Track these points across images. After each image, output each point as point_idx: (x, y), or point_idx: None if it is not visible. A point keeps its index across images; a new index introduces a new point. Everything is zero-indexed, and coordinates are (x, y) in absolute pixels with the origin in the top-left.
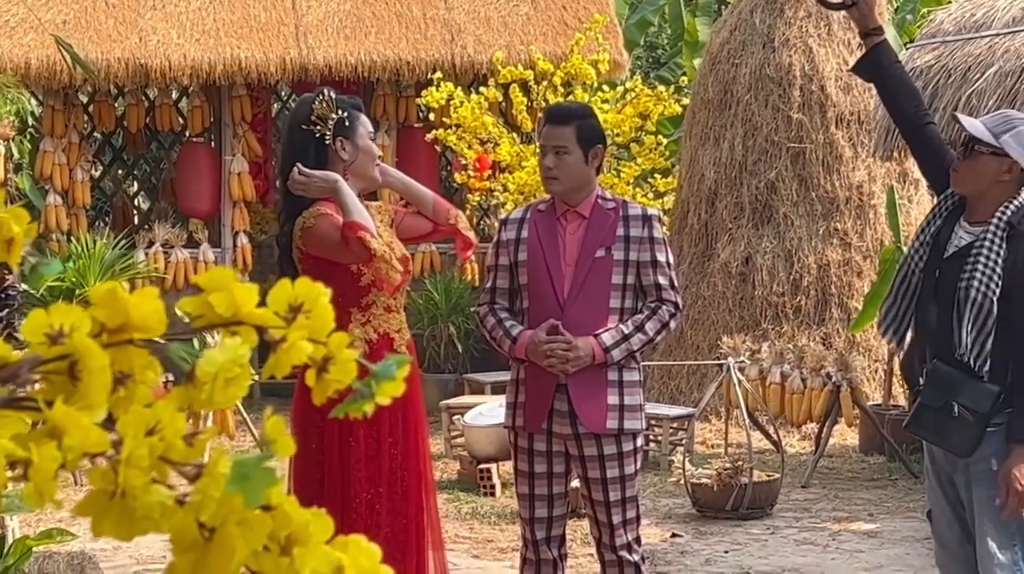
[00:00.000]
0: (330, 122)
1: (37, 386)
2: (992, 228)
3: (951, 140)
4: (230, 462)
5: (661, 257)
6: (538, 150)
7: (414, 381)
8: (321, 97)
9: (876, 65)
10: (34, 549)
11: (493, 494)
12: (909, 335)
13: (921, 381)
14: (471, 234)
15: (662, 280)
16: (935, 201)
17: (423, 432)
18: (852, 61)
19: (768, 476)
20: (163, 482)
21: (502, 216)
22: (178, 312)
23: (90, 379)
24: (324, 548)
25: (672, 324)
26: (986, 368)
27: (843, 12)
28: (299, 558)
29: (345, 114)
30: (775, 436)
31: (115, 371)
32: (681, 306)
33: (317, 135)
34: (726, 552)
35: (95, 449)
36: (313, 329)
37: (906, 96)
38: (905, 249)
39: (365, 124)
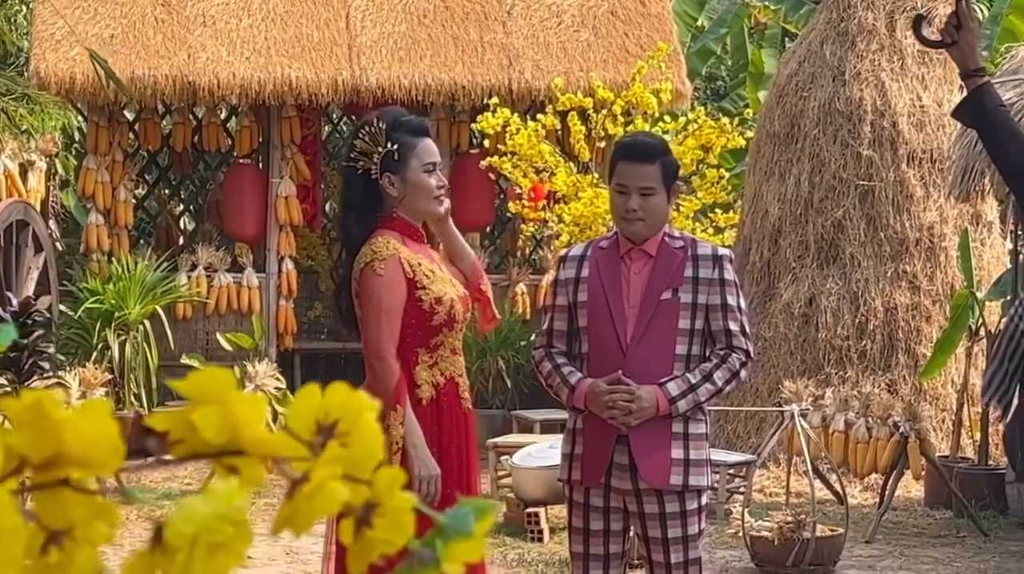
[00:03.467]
0: (375, 156)
1: None
2: None
3: None
4: None
5: (732, 301)
6: (614, 187)
7: (465, 429)
8: (366, 129)
9: (979, 109)
10: None
11: (541, 540)
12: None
13: None
14: (495, 310)
15: (733, 326)
16: None
17: (475, 486)
18: (926, 98)
19: (831, 530)
20: None
21: (561, 252)
22: (220, 340)
23: None
24: None
25: (743, 373)
26: None
27: (942, 50)
28: None
29: (395, 146)
30: (839, 487)
31: (43, 528)
32: (752, 354)
33: (360, 172)
34: None
35: None
36: (352, 462)
37: (1010, 142)
38: (980, 294)
39: (422, 154)
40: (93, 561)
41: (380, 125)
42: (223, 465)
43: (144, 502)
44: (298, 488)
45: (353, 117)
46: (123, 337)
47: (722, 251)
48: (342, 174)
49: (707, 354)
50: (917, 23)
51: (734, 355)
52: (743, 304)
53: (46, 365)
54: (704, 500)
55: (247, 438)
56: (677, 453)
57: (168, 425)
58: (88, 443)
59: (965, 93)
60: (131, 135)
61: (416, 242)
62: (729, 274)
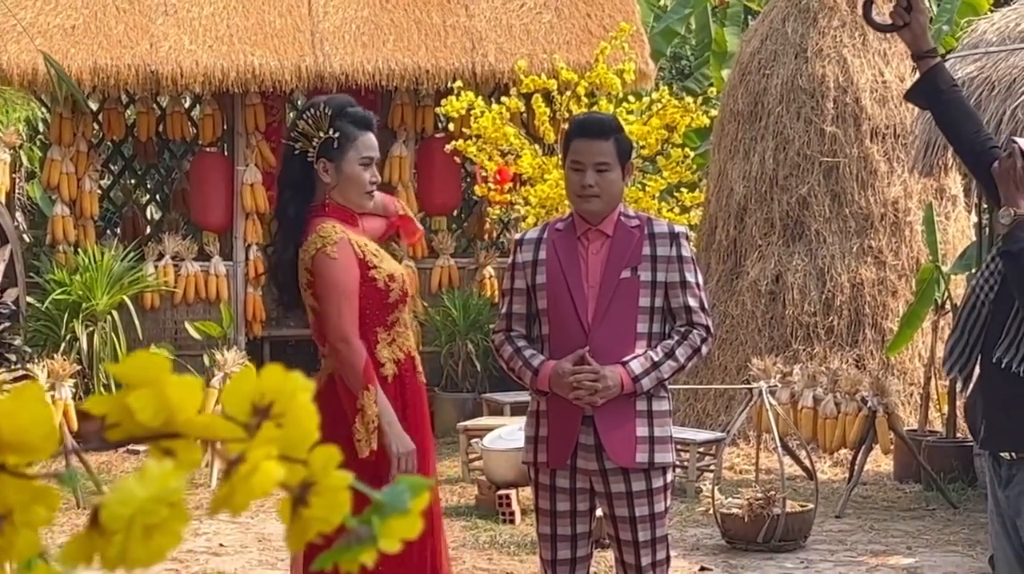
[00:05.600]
0: (315, 140)
1: None
2: None
3: None
4: None
5: (690, 277)
6: (569, 165)
7: (423, 403)
8: (311, 112)
9: (932, 90)
10: None
11: (513, 521)
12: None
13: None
14: (417, 222)
15: (692, 302)
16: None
17: (431, 462)
18: (888, 73)
19: (801, 506)
20: None
21: (517, 236)
22: (189, 329)
23: None
24: None
25: (704, 349)
26: None
27: (893, 33)
28: None
29: (336, 134)
30: (808, 463)
31: None
32: (712, 330)
33: (297, 152)
34: None
35: None
36: (287, 442)
37: (966, 122)
38: (945, 268)
39: (361, 147)
40: (33, 544)
41: (325, 110)
42: (159, 448)
43: (70, 485)
44: (234, 469)
45: None
46: (91, 328)
47: (678, 228)
48: (283, 151)
49: (667, 331)
50: (867, 7)
51: (695, 331)
52: (701, 280)
53: (13, 357)
54: (669, 477)
55: (183, 421)
56: (642, 431)
57: (104, 408)
58: (22, 429)
59: (918, 75)
60: (95, 125)
61: (351, 226)
62: (686, 251)
